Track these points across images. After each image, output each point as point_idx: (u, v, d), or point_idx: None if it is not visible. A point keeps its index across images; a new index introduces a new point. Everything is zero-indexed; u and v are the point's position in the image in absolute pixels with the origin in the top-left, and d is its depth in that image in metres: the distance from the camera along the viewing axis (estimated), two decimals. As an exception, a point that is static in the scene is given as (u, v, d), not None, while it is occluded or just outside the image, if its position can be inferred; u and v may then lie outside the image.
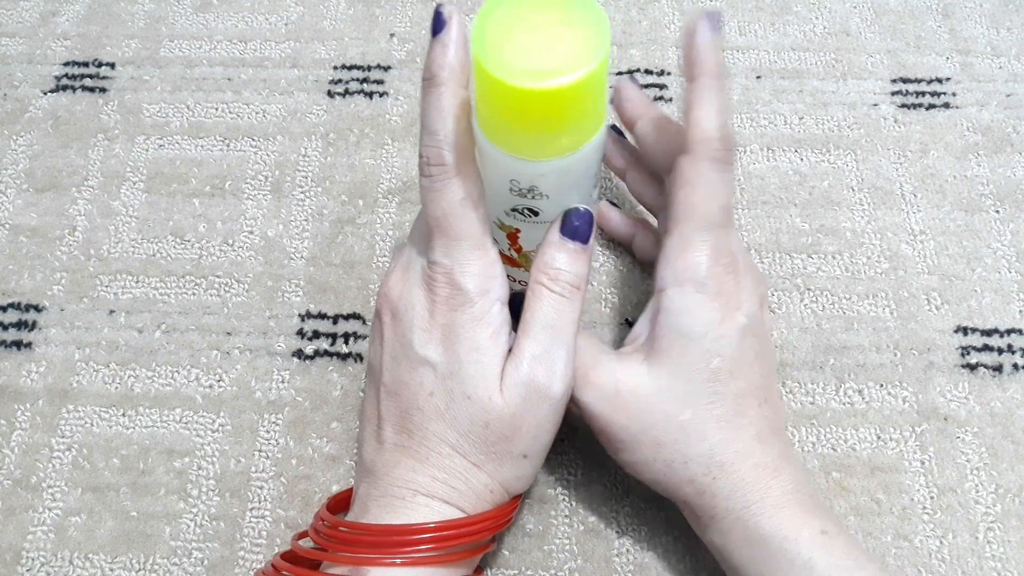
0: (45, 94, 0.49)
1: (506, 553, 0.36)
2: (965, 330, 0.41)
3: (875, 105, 0.48)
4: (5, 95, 0.49)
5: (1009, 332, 0.41)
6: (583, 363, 0.33)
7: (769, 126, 0.47)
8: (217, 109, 0.48)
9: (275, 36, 0.51)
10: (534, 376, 0.30)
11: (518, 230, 0.33)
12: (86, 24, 0.52)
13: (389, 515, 0.30)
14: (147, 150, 0.47)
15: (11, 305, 0.43)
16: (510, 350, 0.31)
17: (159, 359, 0.41)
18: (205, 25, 0.52)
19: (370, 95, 0.49)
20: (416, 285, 0.32)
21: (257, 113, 0.48)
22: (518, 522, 0.37)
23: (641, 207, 0.40)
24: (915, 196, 0.45)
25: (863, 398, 0.39)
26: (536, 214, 0.31)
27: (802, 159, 0.46)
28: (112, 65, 0.50)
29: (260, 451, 0.39)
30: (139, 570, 0.37)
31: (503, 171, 0.29)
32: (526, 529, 0.37)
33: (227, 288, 0.43)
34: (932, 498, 0.37)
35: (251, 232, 0.44)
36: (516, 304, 0.32)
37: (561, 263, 0.31)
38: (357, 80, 0.49)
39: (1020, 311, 0.41)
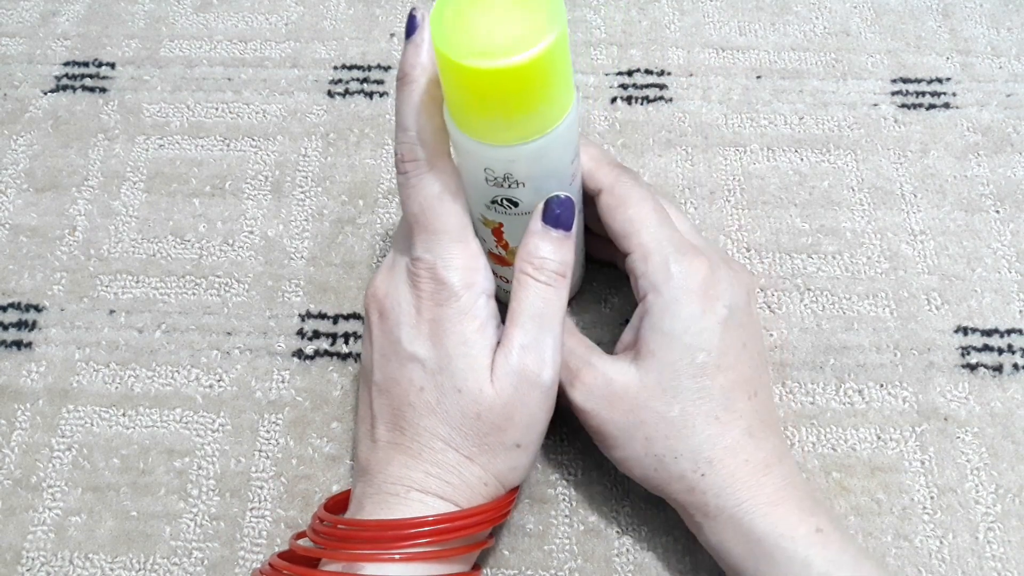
0: (45, 94, 0.49)
1: (506, 553, 0.36)
2: (965, 330, 0.41)
3: (875, 105, 0.48)
4: (5, 95, 0.49)
5: (1009, 332, 0.41)
6: (574, 363, 0.33)
7: (769, 126, 0.47)
8: (217, 109, 0.48)
9: (275, 36, 0.51)
10: (524, 364, 0.31)
11: (501, 224, 0.33)
12: (86, 24, 0.52)
13: (384, 512, 0.31)
14: (147, 150, 0.47)
15: (11, 305, 0.43)
16: (498, 342, 0.31)
17: (159, 359, 0.41)
18: (205, 25, 0.52)
19: (370, 95, 0.49)
20: (401, 283, 0.32)
21: (257, 113, 0.48)
22: (518, 522, 0.37)
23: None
24: (915, 196, 0.45)
25: (863, 398, 0.39)
26: (516, 204, 0.31)
27: (802, 159, 0.46)
28: (112, 65, 0.50)
29: (260, 451, 0.39)
30: (139, 570, 0.37)
31: (476, 160, 0.30)
32: (526, 529, 0.37)
33: (227, 288, 0.43)
34: (932, 498, 0.37)
35: (251, 232, 0.44)
36: None
37: (545, 252, 0.31)
38: (357, 80, 0.49)
39: (1020, 311, 0.41)
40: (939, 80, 0.48)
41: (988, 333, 0.41)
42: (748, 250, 0.43)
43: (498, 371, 0.31)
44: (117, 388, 0.40)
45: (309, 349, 0.41)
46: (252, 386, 0.40)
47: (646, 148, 0.46)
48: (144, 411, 0.40)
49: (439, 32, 0.26)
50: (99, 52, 0.51)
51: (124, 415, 0.40)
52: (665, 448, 0.32)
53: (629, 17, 0.51)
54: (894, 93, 0.48)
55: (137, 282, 0.43)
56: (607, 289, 0.42)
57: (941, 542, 0.36)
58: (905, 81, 0.48)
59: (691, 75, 0.49)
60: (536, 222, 0.31)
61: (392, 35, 0.51)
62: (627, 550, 0.36)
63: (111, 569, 0.37)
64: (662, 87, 0.49)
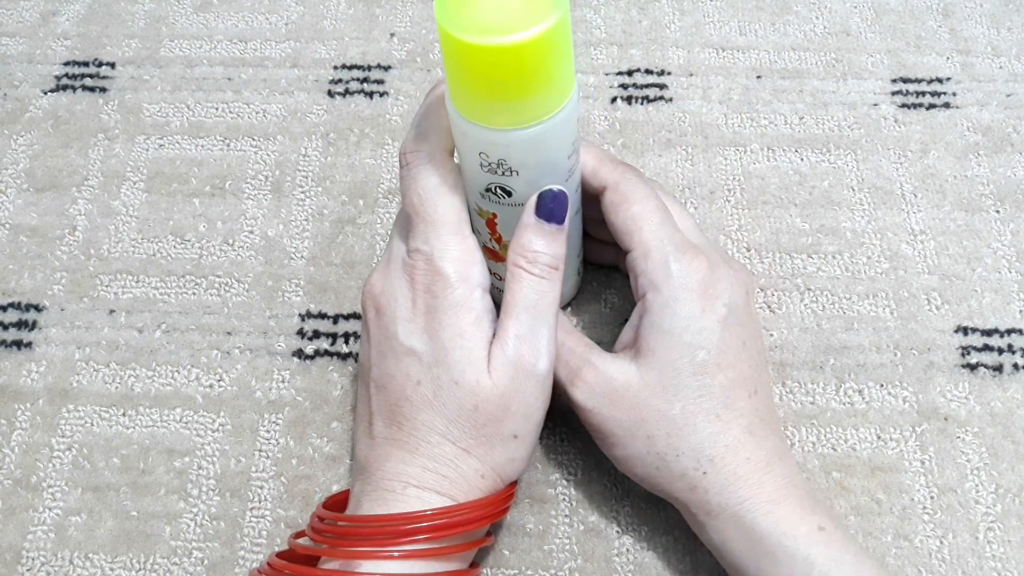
0: (45, 94, 0.49)
1: (506, 553, 0.36)
2: (965, 330, 0.41)
3: (875, 105, 0.48)
4: (5, 95, 0.49)
5: (1009, 332, 0.41)
6: (574, 362, 0.34)
7: (769, 126, 0.47)
8: (217, 109, 0.48)
9: (275, 36, 0.51)
10: (520, 355, 0.31)
11: (495, 215, 0.33)
12: (86, 24, 0.52)
13: (381, 508, 0.31)
14: (147, 150, 0.47)
15: (11, 305, 0.43)
16: (494, 335, 0.32)
17: (159, 359, 0.41)
18: (205, 25, 0.52)
19: (370, 95, 0.49)
20: (397, 278, 0.32)
21: (257, 113, 0.48)
22: (518, 522, 0.37)
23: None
24: (915, 196, 0.45)
25: (863, 398, 0.39)
26: (509, 194, 0.31)
27: (802, 159, 0.46)
28: (112, 65, 0.50)
29: (260, 451, 0.39)
30: (139, 570, 0.37)
31: (472, 143, 0.30)
32: (526, 529, 0.37)
33: (227, 288, 0.43)
34: (932, 498, 0.37)
35: (251, 232, 0.44)
36: None
37: (538, 245, 0.31)
38: (357, 80, 0.49)
39: (1020, 311, 0.41)
40: (939, 80, 0.48)
41: (988, 333, 0.41)
42: (748, 250, 0.43)
43: (494, 362, 0.31)
44: (117, 388, 0.40)
45: (309, 349, 0.41)
46: (252, 386, 0.40)
47: (646, 148, 0.46)
48: (144, 411, 0.40)
49: (443, 8, 0.26)
50: (99, 52, 0.51)
51: (124, 415, 0.40)
52: (667, 446, 0.32)
53: (629, 17, 0.51)
54: (894, 93, 0.48)
55: (137, 282, 0.43)
56: (607, 289, 0.42)
57: (941, 542, 0.36)
58: (905, 81, 0.48)
59: (691, 75, 0.49)
60: (529, 215, 0.32)
61: (392, 35, 0.51)
62: (627, 550, 0.36)
63: (111, 569, 0.37)
64: (662, 87, 0.49)
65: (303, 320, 0.42)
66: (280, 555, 0.32)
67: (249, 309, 0.42)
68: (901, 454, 0.38)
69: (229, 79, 0.49)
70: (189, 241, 0.44)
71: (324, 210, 0.45)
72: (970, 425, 0.39)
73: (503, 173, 0.30)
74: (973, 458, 0.38)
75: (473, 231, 0.33)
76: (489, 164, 0.30)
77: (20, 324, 0.42)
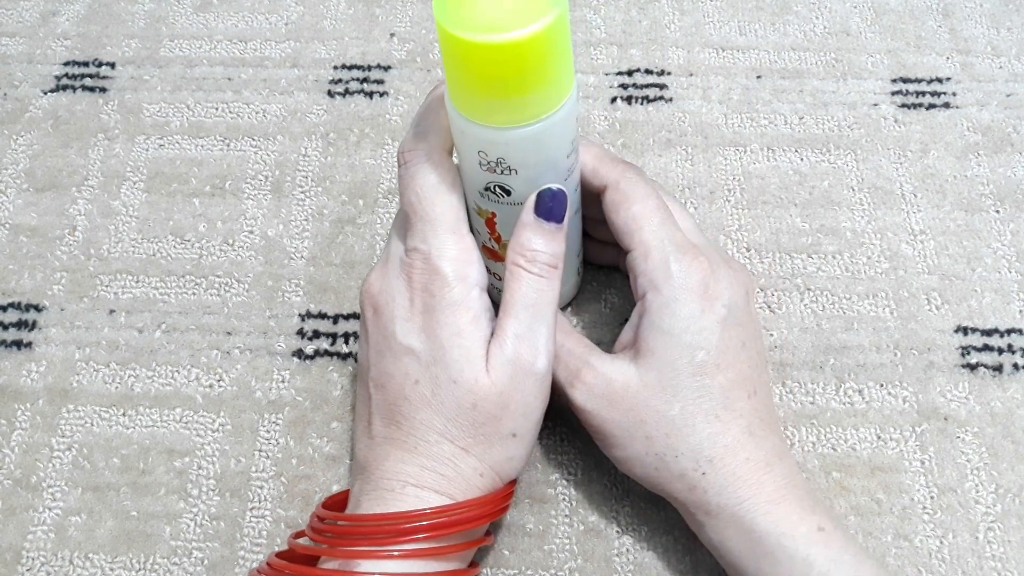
0: (45, 94, 0.49)
1: (506, 553, 0.36)
2: (965, 330, 0.41)
3: (875, 105, 0.48)
4: (5, 95, 0.49)
5: (1009, 332, 0.41)
6: (574, 363, 0.34)
7: (769, 126, 0.47)
8: (217, 109, 0.48)
9: (275, 36, 0.51)
10: (519, 353, 0.31)
11: (494, 214, 0.33)
12: (86, 24, 0.52)
13: (379, 507, 0.31)
14: (147, 150, 0.47)
15: (11, 305, 0.43)
16: (492, 334, 0.32)
17: (159, 359, 0.41)
18: (205, 25, 0.52)
19: (370, 95, 0.49)
20: (395, 277, 0.32)
21: (257, 113, 0.48)
22: (518, 522, 0.37)
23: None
24: (915, 196, 0.45)
25: (863, 398, 0.39)
26: (508, 193, 0.31)
27: (802, 159, 0.46)
28: (112, 65, 0.50)
29: (260, 451, 0.39)
30: (139, 570, 0.37)
31: (471, 141, 0.30)
32: (526, 529, 0.37)
33: (227, 288, 0.43)
34: (932, 498, 0.37)
35: (251, 232, 0.44)
36: None
37: (537, 244, 0.31)
38: (357, 80, 0.49)
39: (1020, 311, 0.41)
40: (939, 80, 0.48)
41: (988, 333, 0.41)
42: (748, 250, 0.43)
43: (493, 361, 0.31)
44: (117, 388, 0.40)
45: (309, 349, 0.41)
46: (252, 386, 0.40)
47: (646, 148, 0.46)
48: (144, 411, 0.40)
49: (442, 6, 0.26)
50: (99, 52, 0.51)
51: (124, 415, 0.40)
52: (666, 447, 0.32)
53: (629, 17, 0.51)
54: (894, 93, 0.48)
55: (137, 282, 0.43)
56: (606, 289, 0.42)
57: (941, 542, 0.36)
58: (905, 81, 0.48)
59: (691, 75, 0.49)
60: (528, 214, 0.32)
61: (392, 35, 0.51)
62: (627, 550, 0.36)
63: (111, 569, 0.37)
64: (662, 87, 0.49)
65: (303, 320, 0.42)
66: (280, 555, 0.32)
67: (249, 309, 0.42)
68: (901, 454, 0.38)
69: (229, 79, 0.50)
70: (189, 241, 0.44)
71: (324, 210, 0.45)
72: (970, 425, 0.39)
73: (502, 172, 0.30)
74: (973, 458, 0.38)
75: (472, 231, 0.33)
76: (488, 163, 0.30)
77: (20, 324, 0.42)
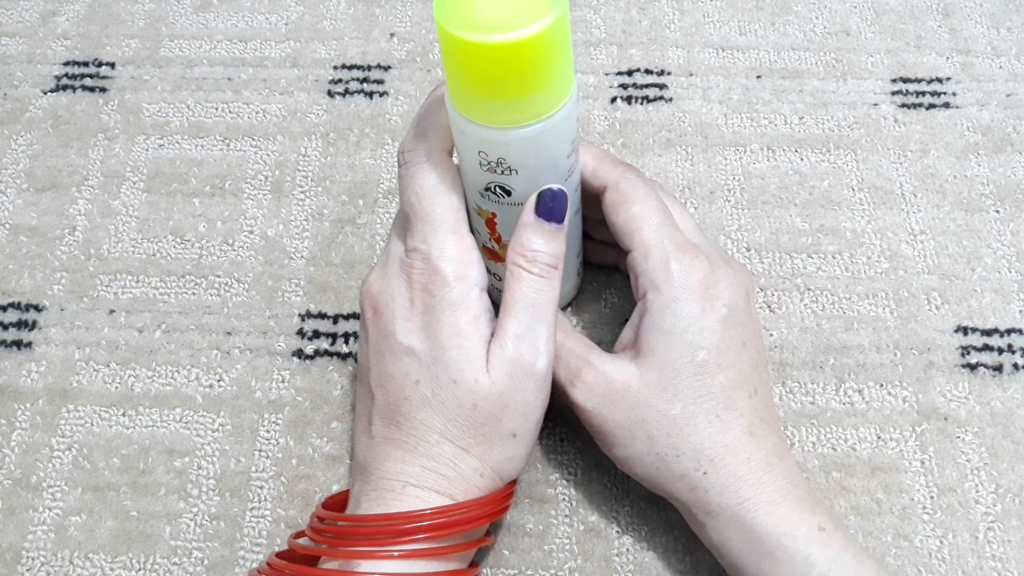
0: (45, 94, 0.49)
1: (506, 553, 0.36)
2: (965, 330, 0.41)
3: (875, 105, 0.48)
4: (5, 95, 0.49)
5: (1009, 332, 0.41)
6: (574, 363, 0.34)
7: (769, 126, 0.47)
8: (217, 109, 0.48)
9: (275, 36, 0.51)
10: (519, 354, 0.31)
11: (495, 215, 0.33)
12: (86, 24, 0.52)
13: (379, 507, 0.31)
14: (147, 150, 0.47)
15: (11, 305, 0.43)
16: (492, 334, 0.32)
17: (159, 359, 0.41)
18: (205, 25, 0.52)
19: (370, 95, 0.49)
20: (395, 277, 0.32)
21: (257, 113, 0.48)
22: (518, 522, 0.37)
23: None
24: (915, 196, 0.45)
25: (863, 398, 0.39)
26: (508, 193, 0.31)
27: (802, 159, 0.46)
28: (112, 65, 0.50)
29: (260, 451, 0.39)
30: (139, 570, 0.37)
31: (471, 142, 0.30)
32: (526, 529, 0.37)
33: (227, 288, 0.43)
34: (932, 498, 0.37)
35: (251, 232, 0.44)
36: None
37: (537, 244, 0.31)
38: (357, 80, 0.49)
39: (1020, 311, 0.41)
40: (939, 80, 0.48)
41: (988, 333, 0.41)
42: (748, 250, 0.43)
43: (493, 361, 0.31)
44: (117, 388, 0.40)
45: (309, 349, 0.41)
46: (252, 386, 0.40)
47: (646, 148, 0.46)
48: (144, 411, 0.40)
49: (442, 6, 0.26)
50: (99, 52, 0.51)
51: (124, 415, 0.40)
52: (667, 446, 0.32)
53: (629, 17, 0.51)
54: (894, 93, 0.48)
55: (137, 282, 0.43)
56: (606, 289, 0.42)
57: (941, 542, 0.36)
58: (905, 81, 0.48)
59: (691, 75, 0.49)
60: (528, 214, 0.32)
61: (392, 35, 0.51)
62: (627, 550, 0.36)
63: (111, 569, 0.37)
64: (662, 87, 0.49)
65: (303, 320, 0.42)
66: (280, 555, 0.32)
67: (249, 309, 0.42)
68: (901, 454, 0.38)
69: (229, 79, 0.50)
70: (189, 241, 0.44)
71: (324, 210, 0.45)
72: (970, 425, 0.39)
73: (502, 172, 0.30)
74: (973, 458, 0.38)
75: (473, 231, 0.33)
76: (488, 163, 0.30)
77: (20, 324, 0.42)
